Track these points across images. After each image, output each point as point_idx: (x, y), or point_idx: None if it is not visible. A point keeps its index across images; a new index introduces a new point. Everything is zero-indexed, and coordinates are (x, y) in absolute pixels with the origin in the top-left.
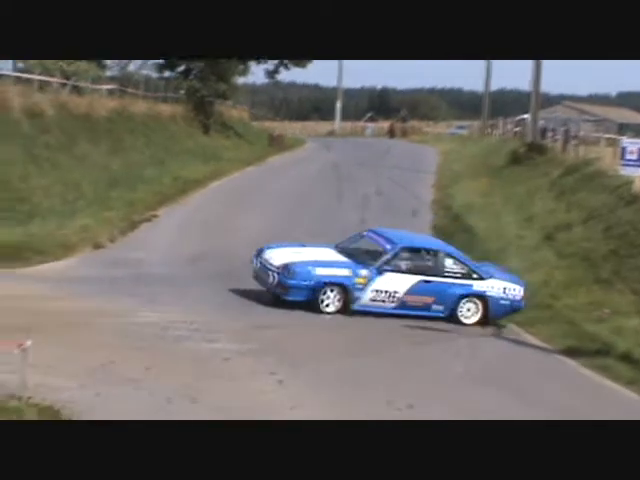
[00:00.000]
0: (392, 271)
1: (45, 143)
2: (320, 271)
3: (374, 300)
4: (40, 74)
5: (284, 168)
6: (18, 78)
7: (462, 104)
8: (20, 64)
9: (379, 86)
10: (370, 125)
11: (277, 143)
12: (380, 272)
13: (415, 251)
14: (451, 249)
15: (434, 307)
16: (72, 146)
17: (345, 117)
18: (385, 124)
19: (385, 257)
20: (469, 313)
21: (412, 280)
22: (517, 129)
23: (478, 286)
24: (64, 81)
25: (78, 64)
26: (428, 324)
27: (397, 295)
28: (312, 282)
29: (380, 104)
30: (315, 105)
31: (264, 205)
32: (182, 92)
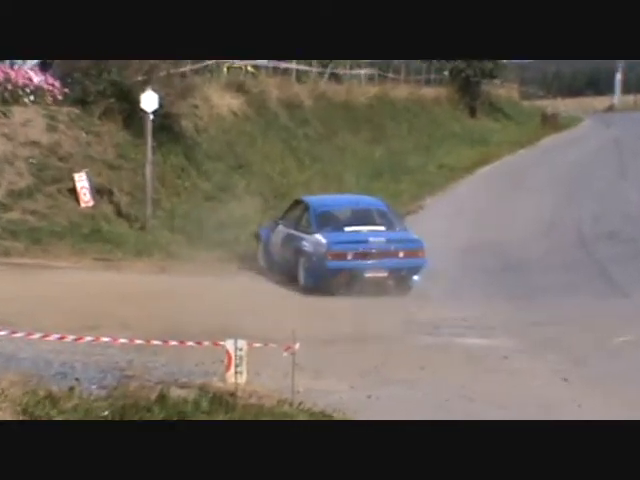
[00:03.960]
0: (282, 224)
1: (304, 135)
2: None
3: (274, 254)
4: (298, 63)
5: (559, 149)
6: (275, 68)
7: None
8: None
9: None
10: None
11: (551, 122)
12: (277, 223)
13: (300, 205)
14: (321, 203)
15: (292, 262)
16: (332, 137)
17: (626, 90)
18: None
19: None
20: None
21: (283, 232)
22: None
23: (305, 240)
24: (322, 69)
25: None
26: None
27: (278, 249)
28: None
29: None
30: (591, 78)
31: (539, 191)
32: (445, 73)
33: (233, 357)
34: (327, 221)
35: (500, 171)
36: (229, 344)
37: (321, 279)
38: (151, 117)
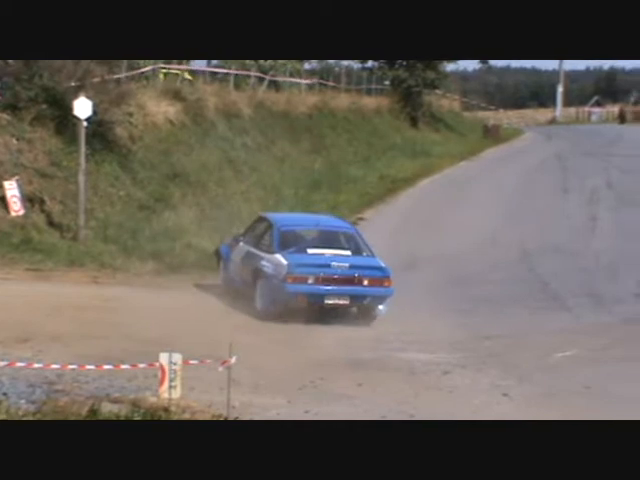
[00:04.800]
0: (243, 241)
1: (243, 144)
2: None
3: (233, 272)
4: (237, 68)
5: (501, 161)
6: (213, 74)
7: None
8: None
9: (605, 67)
10: (596, 110)
11: (492, 134)
12: (237, 240)
13: (263, 222)
14: (285, 222)
15: (249, 282)
16: (271, 146)
17: (567, 103)
18: (614, 109)
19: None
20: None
21: (244, 250)
22: None
23: (265, 260)
24: (261, 75)
25: None
26: None
27: (237, 266)
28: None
29: (607, 87)
30: (533, 91)
31: (481, 204)
32: (387, 83)
33: (167, 371)
34: (290, 241)
35: (441, 183)
36: (163, 358)
37: (279, 303)
38: (84, 124)
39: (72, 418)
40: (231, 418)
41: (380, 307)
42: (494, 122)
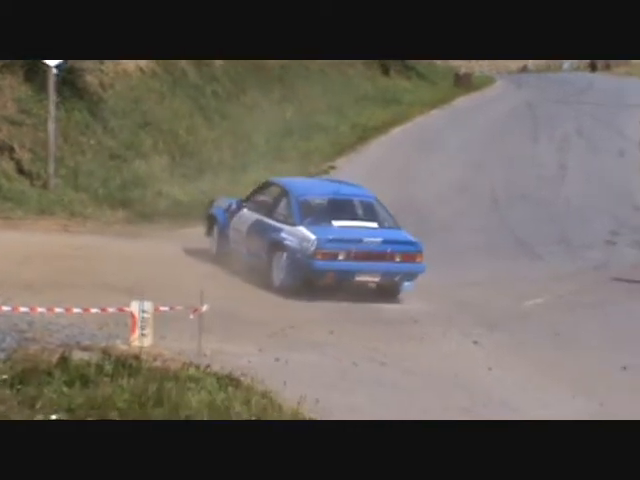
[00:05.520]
0: (247, 207)
1: (213, 93)
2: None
3: (234, 241)
4: None
5: (472, 110)
6: None
7: None
8: None
9: None
10: None
11: (464, 83)
12: (239, 206)
13: (273, 188)
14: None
15: (262, 255)
16: (241, 95)
17: None
18: None
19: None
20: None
21: (252, 218)
22: None
23: (285, 232)
24: None
25: None
26: None
27: (243, 236)
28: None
29: None
30: None
31: (452, 152)
32: None
33: (138, 319)
34: (310, 211)
35: (413, 132)
36: (134, 306)
37: (304, 280)
38: (54, 71)
39: (43, 366)
40: (202, 366)
41: (407, 283)
42: (465, 70)
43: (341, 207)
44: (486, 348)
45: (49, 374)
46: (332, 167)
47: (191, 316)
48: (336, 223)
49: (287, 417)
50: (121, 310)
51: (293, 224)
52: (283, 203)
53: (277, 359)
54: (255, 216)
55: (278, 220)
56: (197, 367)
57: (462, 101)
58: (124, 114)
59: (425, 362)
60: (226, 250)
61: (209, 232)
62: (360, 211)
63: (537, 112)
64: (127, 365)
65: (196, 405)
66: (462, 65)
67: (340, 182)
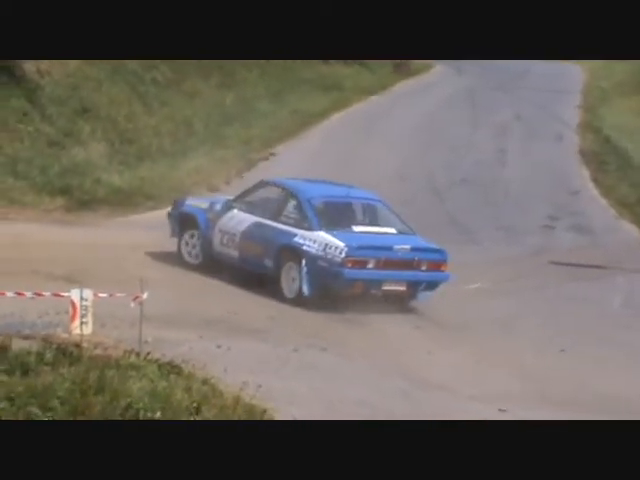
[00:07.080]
0: (239, 209)
1: (152, 79)
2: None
3: (222, 244)
4: None
5: (411, 96)
6: None
7: None
8: None
9: None
10: None
11: (402, 68)
12: (228, 207)
13: (271, 188)
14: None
15: (266, 262)
16: (181, 82)
17: None
18: None
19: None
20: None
21: (248, 220)
22: None
23: (300, 237)
24: None
25: None
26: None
27: (235, 239)
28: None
29: None
30: None
31: (392, 138)
32: None
33: (78, 307)
34: (325, 215)
35: (352, 118)
36: (74, 294)
37: (329, 289)
38: None
39: None
40: (143, 354)
41: (427, 292)
42: None
43: (357, 211)
44: (426, 332)
45: None
46: (272, 154)
47: (132, 304)
48: (356, 229)
49: (229, 403)
50: (57, 295)
51: (309, 229)
52: (290, 205)
53: (219, 346)
54: (253, 218)
55: (287, 224)
56: (138, 355)
57: (400, 87)
58: (62, 101)
59: (365, 347)
60: (209, 255)
61: (180, 233)
62: (376, 216)
63: (475, 97)
64: (68, 353)
65: (137, 393)
66: None
67: (340, 184)
